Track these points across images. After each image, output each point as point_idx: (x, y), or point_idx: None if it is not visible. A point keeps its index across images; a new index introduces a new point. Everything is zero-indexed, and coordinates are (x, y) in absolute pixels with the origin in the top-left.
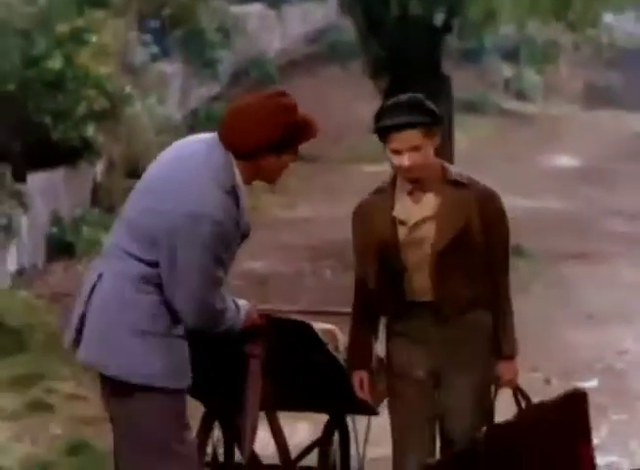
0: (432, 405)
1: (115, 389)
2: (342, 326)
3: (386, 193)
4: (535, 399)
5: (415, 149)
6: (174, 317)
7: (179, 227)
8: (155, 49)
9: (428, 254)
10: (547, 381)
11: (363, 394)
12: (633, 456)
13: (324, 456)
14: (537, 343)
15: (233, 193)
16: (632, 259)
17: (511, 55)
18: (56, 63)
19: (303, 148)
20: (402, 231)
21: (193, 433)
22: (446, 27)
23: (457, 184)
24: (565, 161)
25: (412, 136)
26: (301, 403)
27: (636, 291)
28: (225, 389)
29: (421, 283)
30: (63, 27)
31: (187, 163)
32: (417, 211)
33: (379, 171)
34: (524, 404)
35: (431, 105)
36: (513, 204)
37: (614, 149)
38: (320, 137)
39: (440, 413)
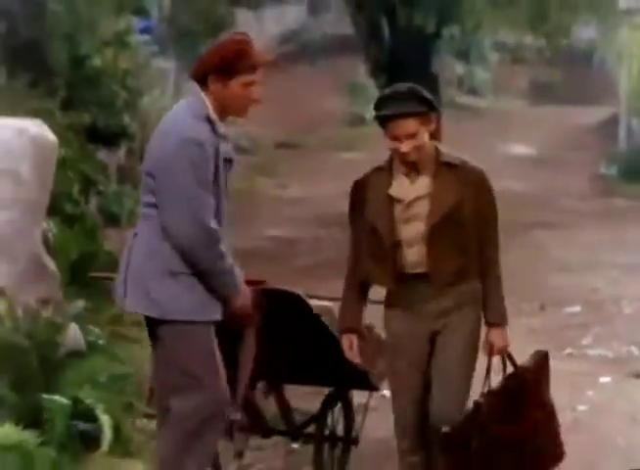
0: (421, 372)
1: (153, 326)
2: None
3: (383, 172)
4: (537, 320)
5: (411, 136)
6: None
7: (165, 155)
8: (155, 48)
9: (421, 229)
10: (542, 308)
11: (352, 355)
12: (613, 349)
13: (320, 426)
14: (526, 284)
15: (208, 120)
16: (585, 227)
17: (462, 54)
18: (96, 61)
19: (282, 137)
20: (398, 208)
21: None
22: (436, 34)
23: (449, 165)
24: (518, 149)
25: (409, 124)
26: (304, 377)
27: (592, 249)
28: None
29: (413, 257)
30: (106, 31)
31: (170, 113)
32: (412, 191)
33: (351, 158)
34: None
35: (427, 94)
36: None
37: (559, 139)
38: (296, 127)
39: (433, 374)
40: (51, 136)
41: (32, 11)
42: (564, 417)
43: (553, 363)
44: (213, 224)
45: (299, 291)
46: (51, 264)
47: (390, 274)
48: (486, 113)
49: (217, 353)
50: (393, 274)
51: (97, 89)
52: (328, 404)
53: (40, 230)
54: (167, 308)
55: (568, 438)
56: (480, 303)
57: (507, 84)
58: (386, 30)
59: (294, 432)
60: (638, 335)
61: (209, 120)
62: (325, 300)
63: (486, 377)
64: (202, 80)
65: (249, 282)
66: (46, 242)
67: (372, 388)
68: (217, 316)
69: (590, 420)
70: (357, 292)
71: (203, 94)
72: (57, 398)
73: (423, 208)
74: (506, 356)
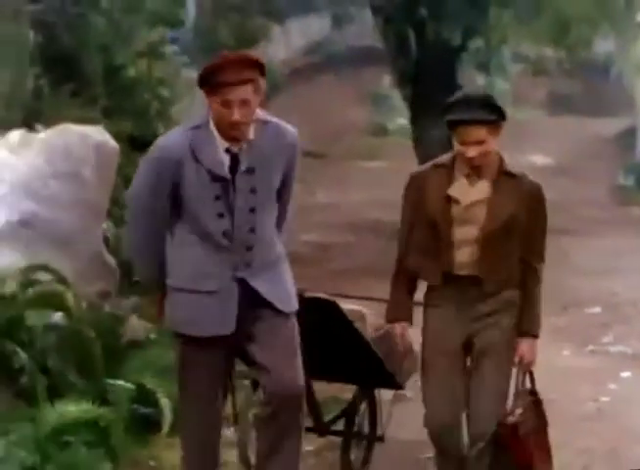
0: (462, 375)
1: None
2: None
3: (444, 170)
4: (560, 320)
5: (480, 143)
6: (175, 269)
7: None
8: (185, 59)
9: (475, 233)
10: (565, 308)
11: (404, 342)
12: (632, 346)
13: (349, 423)
14: (549, 287)
15: (199, 129)
16: (603, 235)
17: (483, 65)
18: (131, 71)
19: (308, 145)
20: (454, 209)
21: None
22: (462, 48)
23: (510, 175)
24: (538, 158)
25: (478, 132)
26: (334, 375)
27: (611, 255)
28: None
29: (463, 258)
30: (141, 43)
31: None
32: (471, 194)
33: (374, 167)
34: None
35: (498, 102)
36: None
37: (579, 149)
38: (321, 136)
39: (468, 389)
40: (112, 142)
41: (71, 22)
42: (588, 408)
43: (577, 360)
44: (140, 233)
45: (334, 297)
46: (111, 261)
47: (439, 272)
48: (506, 123)
49: (195, 370)
50: (441, 272)
51: (132, 98)
52: (356, 402)
53: (101, 230)
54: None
55: (592, 426)
56: (515, 313)
57: (526, 95)
58: (413, 43)
59: (322, 428)
60: None
61: (204, 128)
62: (359, 299)
63: (517, 387)
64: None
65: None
66: (106, 241)
67: (398, 386)
68: (188, 331)
69: (612, 410)
70: (406, 283)
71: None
72: (121, 383)
73: (479, 212)
74: (529, 374)
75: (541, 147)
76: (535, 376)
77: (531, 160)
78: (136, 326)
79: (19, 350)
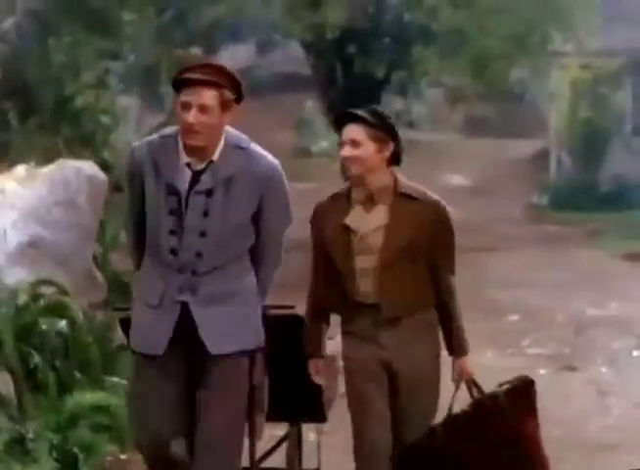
0: (386, 398)
1: None
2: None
3: (341, 200)
4: (482, 327)
5: (355, 144)
6: (137, 280)
7: None
8: (121, 86)
9: (374, 262)
10: (486, 316)
11: (319, 379)
12: (547, 349)
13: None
14: (471, 297)
15: (168, 138)
16: (519, 250)
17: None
18: (79, 102)
19: None
20: (353, 239)
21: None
22: (386, 80)
23: (408, 197)
24: (455, 179)
25: (353, 129)
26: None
27: (527, 269)
28: None
29: (367, 287)
30: (89, 75)
31: None
32: (368, 221)
33: (303, 188)
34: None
35: (391, 122)
36: None
37: (495, 170)
38: None
39: (394, 409)
40: (102, 175)
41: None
42: None
43: (499, 361)
44: (130, 239)
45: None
46: (100, 277)
47: (346, 303)
48: (425, 145)
49: (143, 389)
50: (347, 303)
51: (79, 128)
52: (283, 439)
53: (92, 249)
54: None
55: None
56: (435, 332)
57: (443, 118)
58: (340, 75)
59: (256, 468)
60: (567, 338)
61: (172, 138)
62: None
63: (451, 405)
64: None
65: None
66: (95, 259)
67: (322, 419)
68: (138, 349)
69: None
70: (319, 317)
71: None
72: (116, 379)
73: (377, 240)
74: (471, 383)
75: (459, 168)
76: None
77: (450, 180)
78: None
79: (33, 352)
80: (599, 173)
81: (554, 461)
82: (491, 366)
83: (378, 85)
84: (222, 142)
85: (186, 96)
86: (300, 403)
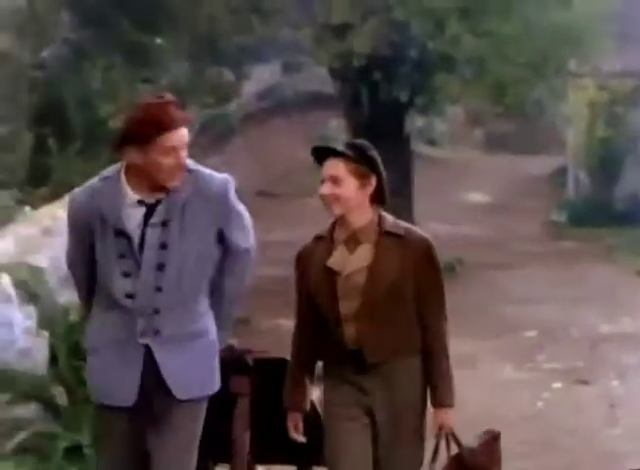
0: (368, 442)
1: None
2: None
3: (324, 241)
4: (499, 343)
5: (335, 180)
6: (88, 332)
7: None
8: None
9: (358, 304)
10: (505, 332)
11: (296, 435)
12: (562, 363)
13: None
14: (490, 314)
15: (108, 180)
16: (537, 267)
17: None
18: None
19: (261, 185)
20: (337, 281)
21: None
22: (410, 103)
23: (393, 235)
24: (475, 196)
25: (333, 165)
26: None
27: (545, 286)
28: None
29: (350, 332)
30: (123, 98)
31: None
32: (351, 262)
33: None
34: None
35: (373, 154)
36: (438, 229)
37: (513, 187)
38: (273, 176)
39: (376, 459)
40: None
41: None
42: (527, 411)
43: (517, 374)
44: (77, 275)
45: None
46: None
47: (327, 348)
48: (445, 162)
49: (108, 444)
50: (330, 348)
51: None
52: None
53: None
54: None
55: (530, 424)
56: (421, 379)
57: (463, 135)
58: (365, 98)
59: None
60: (581, 352)
61: (110, 181)
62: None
63: (433, 459)
64: (118, 152)
65: (247, 352)
66: None
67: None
68: (95, 399)
69: (546, 412)
70: (302, 368)
71: (122, 168)
72: None
73: (361, 281)
74: (450, 436)
75: (479, 185)
76: (481, 390)
77: (470, 197)
78: None
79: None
80: (615, 191)
81: (566, 469)
82: (509, 380)
83: (402, 108)
84: None
85: (169, 141)
86: (310, 447)
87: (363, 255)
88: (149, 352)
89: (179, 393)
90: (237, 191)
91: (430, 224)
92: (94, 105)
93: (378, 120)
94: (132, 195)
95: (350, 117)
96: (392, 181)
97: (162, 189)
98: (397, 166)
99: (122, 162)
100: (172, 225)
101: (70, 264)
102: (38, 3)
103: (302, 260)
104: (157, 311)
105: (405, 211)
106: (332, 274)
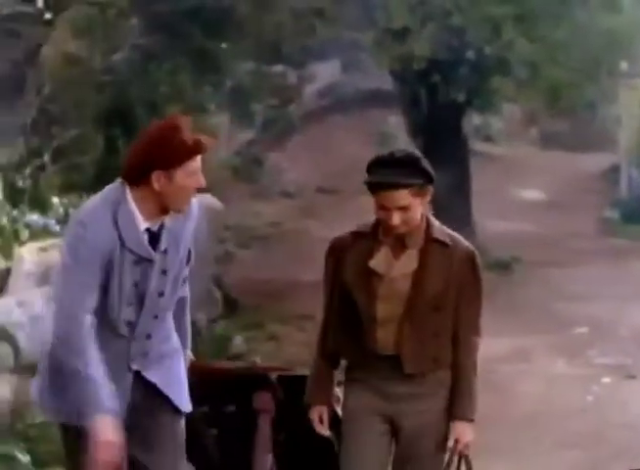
0: (385, 453)
1: None
2: None
3: (366, 239)
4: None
5: (403, 209)
6: None
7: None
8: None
9: (399, 310)
10: (557, 328)
11: (322, 428)
12: (612, 358)
13: None
14: (544, 311)
15: (120, 205)
16: (590, 264)
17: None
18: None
19: (321, 182)
20: (377, 283)
21: None
22: (467, 103)
23: (440, 243)
24: (530, 193)
25: (401, 196)
26: None
27: (597, 283)
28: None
29: (386, 337)
30: (188, 99)
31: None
32: (395, 266)
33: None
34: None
35: (425, 164)
36: (495, 226)
37: (567, 184)
38: (332, 173)
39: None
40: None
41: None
42: (578, 403)
43: (569, 369)
44: (83, 315)
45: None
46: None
47: (361, 352)
48: (501, 159)
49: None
50: (359, 350)
51: None
52: None
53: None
54: None
55: (582, 416)
56: (447, 393)
57: (519, 132)
58: (424, 99)
59: None
60: (631, 349)
61: (120, 207)
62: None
63: None
64: (137, 178)
65: (270, 369)
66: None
67: None
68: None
69: (596, 405)
70: (327, 362)
71: (129, 193)
72: None
73: (404, 287)
74: (465, 457)
75: (534, 182)
76: (535, 383)
77: (525, 194)
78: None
79: None
80: None
81: (612, 459)
82: (561, 374)
83: (459, 109)
84: None
85: (194, 162)
86: (329, 465)
87: (409, 260)
88: (137, 375)
89: (183, 405)
90: (298, 187)
91: (486, 222)
92: (161, 107)
93: (436, 120)
94: (141, 221)
95: (409, 117)
96: (451, 180)
97: (166, 214)
98: (456, 166)
99: (125, 187)
100: (170, 253)
101: (82, 298)
102: (109, 10)
103: (337, 252)
104: (148, 337)
105: (464, 209)
106: (373, 275)
